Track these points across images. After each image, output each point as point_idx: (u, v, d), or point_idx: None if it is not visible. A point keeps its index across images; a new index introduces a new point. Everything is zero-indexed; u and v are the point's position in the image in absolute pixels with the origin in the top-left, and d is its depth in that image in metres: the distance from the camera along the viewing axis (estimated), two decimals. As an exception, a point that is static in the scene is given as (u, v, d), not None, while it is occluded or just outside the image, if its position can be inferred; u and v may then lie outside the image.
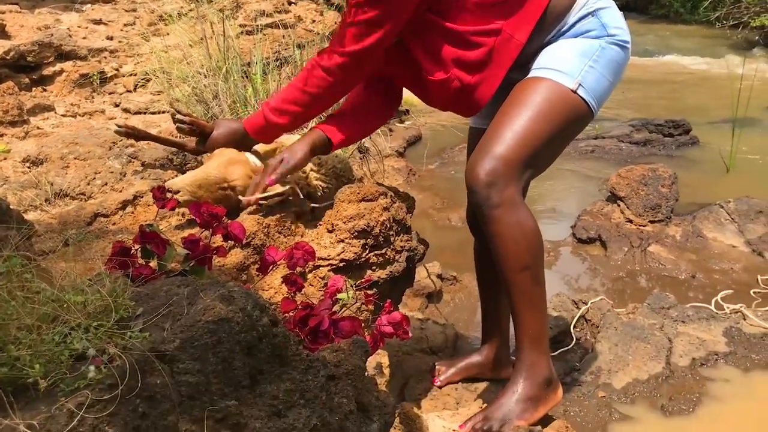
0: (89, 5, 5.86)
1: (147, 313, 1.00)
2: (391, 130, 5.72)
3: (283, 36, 5.66)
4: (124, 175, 2.42)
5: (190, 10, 5.23)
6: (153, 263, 1.34)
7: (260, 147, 1.85)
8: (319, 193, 1.82)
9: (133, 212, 1.87)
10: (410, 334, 1.41)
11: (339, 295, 1.43)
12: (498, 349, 2.12)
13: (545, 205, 4.30)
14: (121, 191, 2.19)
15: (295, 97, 1.69)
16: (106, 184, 2.30)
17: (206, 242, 1.30)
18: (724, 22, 11.28)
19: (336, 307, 1.42)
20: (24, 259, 1.03)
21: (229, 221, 1.32)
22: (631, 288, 3.10)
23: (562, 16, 1.67)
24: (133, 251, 1.30)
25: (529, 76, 1.68)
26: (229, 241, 1.38)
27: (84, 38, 5.11)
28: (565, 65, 1.63)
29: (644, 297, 2.89)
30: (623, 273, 3.22)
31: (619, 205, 3.76)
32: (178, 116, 1.76)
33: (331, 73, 1.63)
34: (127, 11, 5.88)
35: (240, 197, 1.67)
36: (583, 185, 4.69)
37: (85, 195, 2.27)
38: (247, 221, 1.61)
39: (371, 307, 1.69)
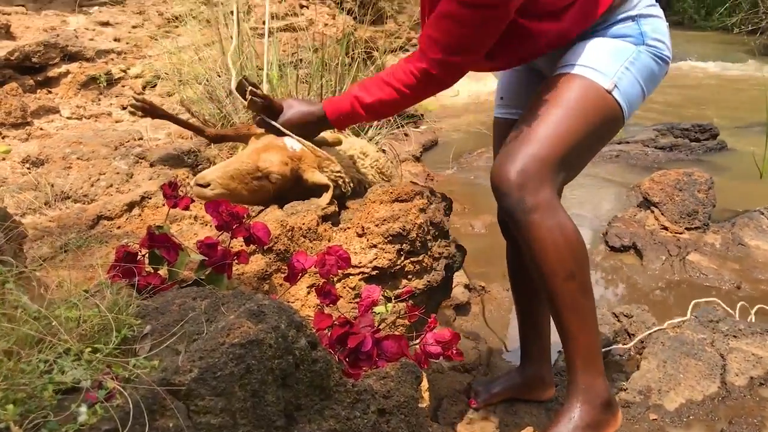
0: (96, 8, 5.72)
1: (156, 333, 0.81)
2: (406, 135, 5.53)
3: (295, 39, 5.49)
4: (131, 177, 2.24)
5: (200, 12, 5.07)
6: (162, 271, 1.16)
7: (327, 134, 1.68)
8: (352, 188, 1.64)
9: (140, 215, 1.68)
10: (463, 357, 1.22)
11: (375, 309, 1.24)
12: (540, 368, 1.93)
13: (569, 211, 4.09)
14: (127, 193, 2.01)
15: (388, 95, 1.56)
16: (111, 185, 2.12)
17: (225, 247, 1.11)
18: (742, 27, 11.07)
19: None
20: (6, 265, 0.84)
21: (252, 222, 1.13)
22: (673, 299, 2.89)
23: (607, 10, 1.54)
24: (139, 257, 1.11)
25: (562, 71, 1.54)
26: (251, 246, 1.19)
27: (91, 40, 4.96)
28: (601, 64, 1.50)
29: (687, 307, 2.69)
30: (662, 283, 3.01)
31: (653, 212, 3.56)
32: (251, 88, 1.55)
33: (432, 75, 1.52)
34: (135, 13, 5.73)
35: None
36: (608, 191, 4.48)
37: (88, 197, 2.08)
38: (269, 223, 1.42)
39: (407, 322, 1.49)
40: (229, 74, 3.06)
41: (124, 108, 4.46)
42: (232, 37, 3.13)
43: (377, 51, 3.97)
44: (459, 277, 2.77)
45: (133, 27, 5.44)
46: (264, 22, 5.90)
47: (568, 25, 1.52)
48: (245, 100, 1.54)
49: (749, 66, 8.77)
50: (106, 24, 5.35)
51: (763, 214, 3.49)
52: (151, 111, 1.58)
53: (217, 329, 0.77)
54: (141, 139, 2.87)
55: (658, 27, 1.56)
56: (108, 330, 0.78)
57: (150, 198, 1.76)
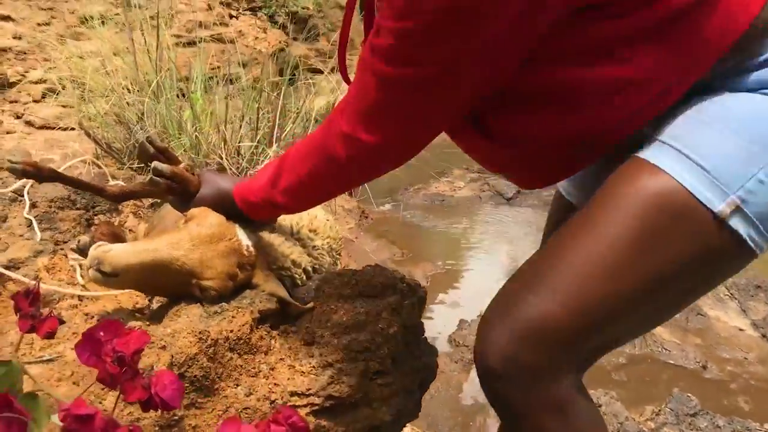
0: (-3, -2, 5.06)
1: None
2: (338, 165, 5.15)
3: (222, 51, 5.03)
4: (5, 220, 1.74)
5: (117, 14, 4.53)
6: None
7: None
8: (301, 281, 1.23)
9: (0, 295, 1.21)
10: None
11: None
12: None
13: (508, 269, 3.80)
14: (-7, 248, 1.52)
15: (311, 184, 1.05)
16: (-27, 234, 1.62)
17: (108, 415, 0.67)
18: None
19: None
20: None
21: (156, 371, 0.70)
22: (640, 381, 2.59)
23: (754, 39, 0.84)
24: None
25: (643, 155, 0.87)
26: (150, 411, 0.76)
27: (-15, 35, 4.33)
28: (718, 157, 0.82)
29: (657, 393, 2.41)
30: (624, 359, 2.72)
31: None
32: (157, 164, 1.09)
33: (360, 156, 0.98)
34: (42, 9, 5.11)
35: None
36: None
37: (-62, 250, 1.57)
38: (182, 338, 0.99)
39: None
40: (143, 93, 2.59)
41: (18, 117, 3.87)
42: (146, 44, 2.64)
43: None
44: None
45: (39, 24, 4.82)
46: (188, 30, 5.41)
47: (652, 70, 0.84)
48: (148, 165, 1.10)
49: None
50: (6, 18, 4.71)
51: (719, 280, 3.29)
52: (37, 174, 1.12)
53: None
54: (28, 163, 2.34)
55: None
56: None
57: (19, 267, 1.28)
